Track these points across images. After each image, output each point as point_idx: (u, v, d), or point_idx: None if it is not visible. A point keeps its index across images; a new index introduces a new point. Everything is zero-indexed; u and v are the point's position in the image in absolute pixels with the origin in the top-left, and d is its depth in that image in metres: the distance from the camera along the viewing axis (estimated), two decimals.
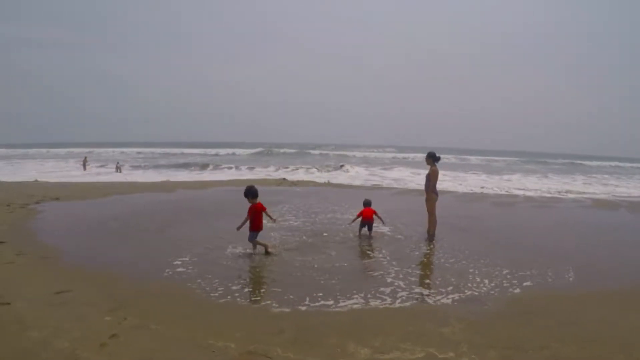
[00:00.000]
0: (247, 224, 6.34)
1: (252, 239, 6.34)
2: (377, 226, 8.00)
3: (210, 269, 5.53)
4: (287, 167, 28.87)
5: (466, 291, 4.93)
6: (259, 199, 6.43)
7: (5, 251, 6.12)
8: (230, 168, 29.66)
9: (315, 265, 5.79)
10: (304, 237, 7.41)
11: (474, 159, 52.85)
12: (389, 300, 4.61)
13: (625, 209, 12.66)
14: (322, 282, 5.13)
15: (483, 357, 3.35)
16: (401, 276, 5.44)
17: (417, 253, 6.72)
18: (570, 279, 5.53)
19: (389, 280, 5.28)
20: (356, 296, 4.67)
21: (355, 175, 25.06)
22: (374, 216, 7.74)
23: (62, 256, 6.00)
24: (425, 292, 4.93)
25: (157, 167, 31.02)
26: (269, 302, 4.48)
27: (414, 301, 4.62)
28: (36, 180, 17.96)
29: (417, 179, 21.43)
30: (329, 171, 27.16)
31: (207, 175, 24.00)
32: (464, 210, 11.24)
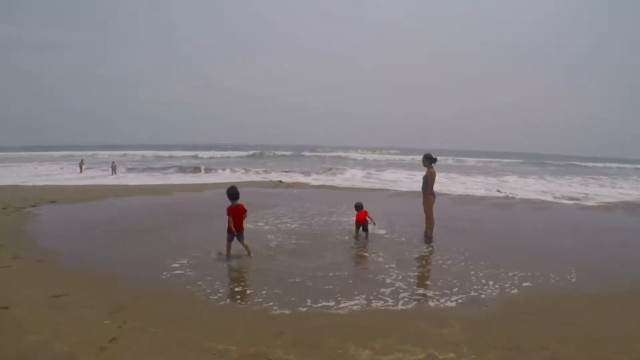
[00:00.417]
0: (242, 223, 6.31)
1: (230, 240, 6.28)
2: (374, 228, 8.02)
3: (208, 271, 5.52)
4: (282, 170, 28.82)
5: (465, 292, 4.94)
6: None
7: (1, 255, 6.08)
8: (225, 169, 29.53)
9: (314, 268, 5.79)
10: (302, 240, 7.40)
11: (471, 160, 53.06)
12: (388, 301, 4.62)
13: (622, 210, 12.76)
14: (321, 284, 5.13)
15: (483, 357, 3.36)
16: (400, 278, 5.45)
17: (416, 254, 6.74)
18: (570, 279, 5.56)
19: (388, 281, 5.29)
20: (356, 298, 4.67)
21: (351, 177, 25.09)
22: (367, 217, 7.78)
23: (59, 259, 5.97)
24: (425, 293, 4.95)
25: (151, 169, 30.84)
26: (268, 304, 4.47)
27: (414, 302, 4.63)
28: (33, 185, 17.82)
29: (413, 180, 21.50)
30: (325, 173, 27.16)
31: (202, 178, 23.89)
32: (461, 212, 11.29)
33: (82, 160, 30.87)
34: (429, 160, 7.81)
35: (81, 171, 28.22)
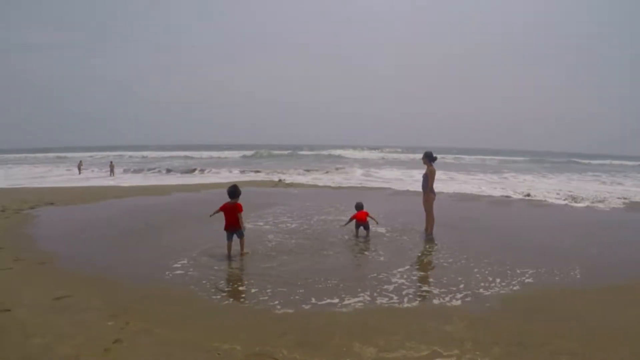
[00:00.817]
0: (242, 223, 6.30)
1: (229, 239, 6.27)
2: (374, 227, 8.03)
3: (210, 271, 5.52)
4: (281, 169, 28.79)
5: (468, 289, 4.95)
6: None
7: (2, 257, 6.05)
8: (224, 170, 29.51)
9: (316, 266, 5.79)
10: (302, 239, 7.40)
11: (469, 158, 53.10)
12: (392, 299, 4.62)
13: (622, 208, 12.77)
14: (323, 282, 5.13)
15: (487, 353, 3.37)
16: (403, 275, 5.46)
17: (417, 252, 6.74)
18: (571, 275, 5.58)
19: (391, 279, 5.29)
20: (360, 296, 4.67)
21: (350, 176, 25.07)
22: (368, 218, 7.77)
23: (60, 261, 5.95)
24: (428, 290, 4.95)
25: (150, 170, 30.83)
26: (272, 303, 4.46)
27: (417, 300, 4.64)
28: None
29: (413, 179, 21.51)
30: (324, 172, 27.13)
31: (201, 178, 23.87)
32: (462, 210, 11.30)
33: (80, 162, 30.83)
34: (428, 158, 7.82)
35: (80, 172, 28.19)
